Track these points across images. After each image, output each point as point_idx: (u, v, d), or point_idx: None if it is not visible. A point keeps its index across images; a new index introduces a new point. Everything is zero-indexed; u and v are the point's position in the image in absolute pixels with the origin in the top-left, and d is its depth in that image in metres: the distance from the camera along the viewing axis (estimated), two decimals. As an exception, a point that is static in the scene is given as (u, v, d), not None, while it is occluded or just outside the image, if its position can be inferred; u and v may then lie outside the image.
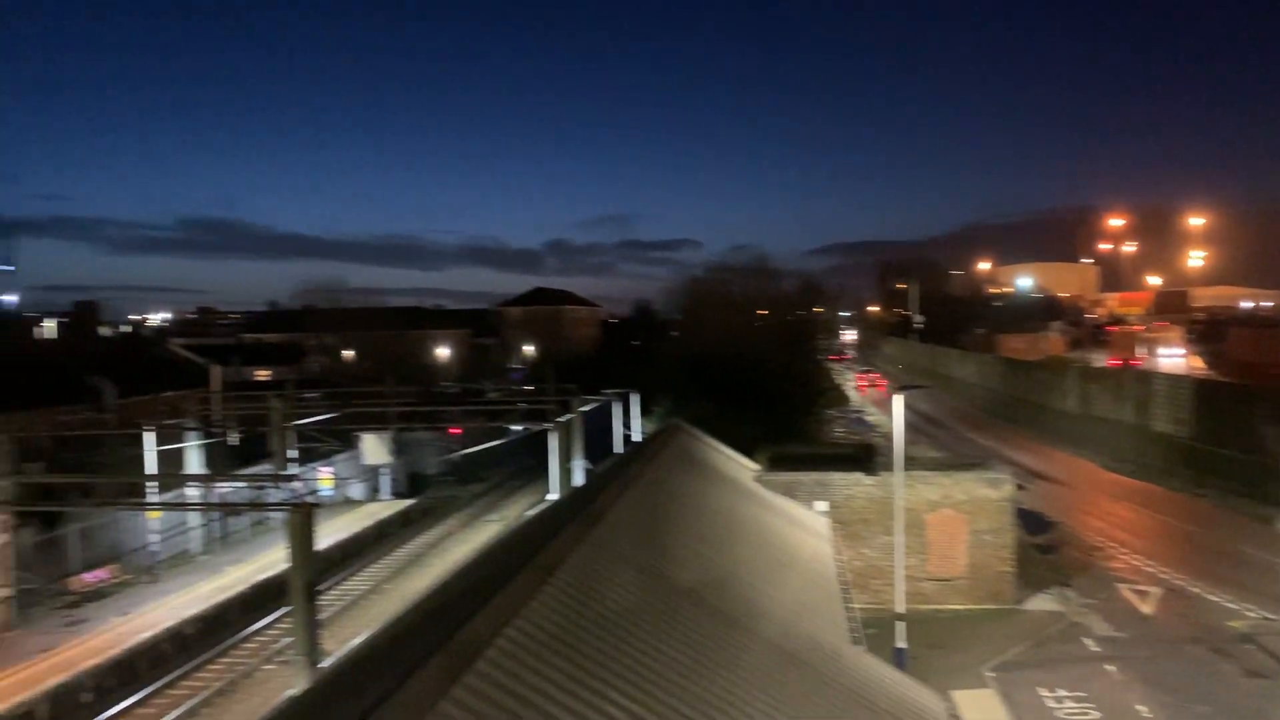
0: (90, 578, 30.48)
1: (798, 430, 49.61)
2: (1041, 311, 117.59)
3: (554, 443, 35.54)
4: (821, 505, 29.69)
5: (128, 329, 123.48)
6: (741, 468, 30.09)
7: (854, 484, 30.45)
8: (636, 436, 44.60)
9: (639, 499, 18.50)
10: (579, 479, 34.81)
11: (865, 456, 33.29)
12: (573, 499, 20.58)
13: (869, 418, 77.79)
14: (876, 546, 29.56)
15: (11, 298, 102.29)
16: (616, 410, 45.64)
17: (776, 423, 45.94)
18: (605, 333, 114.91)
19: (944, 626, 27.89)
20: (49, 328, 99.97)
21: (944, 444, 62.04)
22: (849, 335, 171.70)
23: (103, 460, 34.10)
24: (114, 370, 42.84)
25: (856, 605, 21.21)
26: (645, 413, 49.77)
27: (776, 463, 31.30)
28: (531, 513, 37.99)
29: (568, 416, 36.49)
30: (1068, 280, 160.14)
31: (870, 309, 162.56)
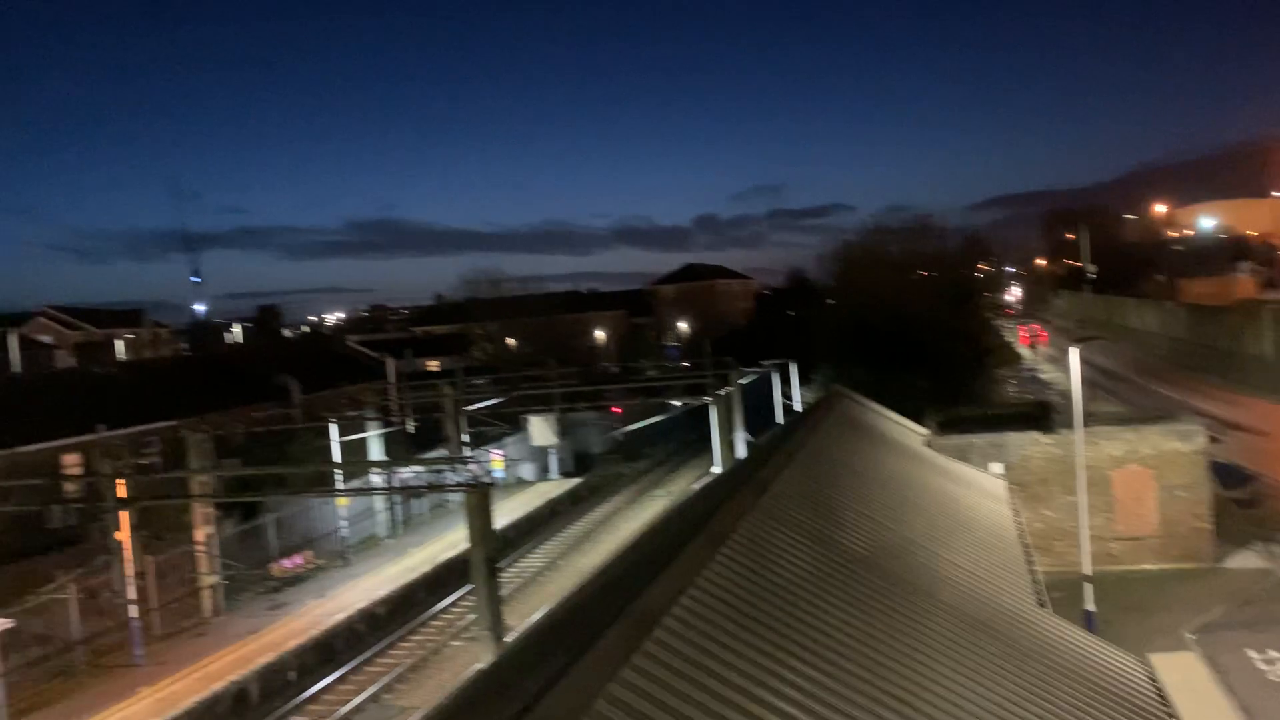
0: (288, 563, 32.46)
1: (967, 392, 47.93)
2: (1228, 252, 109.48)
3: (715, 416, 35.58)
4: (997, 467, 28.63)
5: (307, 329, 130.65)
6: (909, 432, 29.33)
7: (1031, 444, 29.24)
8: (797, 406, 44.14)
9: (805, 467, 18.29)
10: (742, 451, 34.74)
11: (1041, 415, 31.92)
12: (738, 470, 20.55)
13: (1043, 375, 74.51)
14: (1058, 507, 28.33)
15: (201, 307, 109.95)
16: (775, 381, 45.27)
17: (944, 385, 44.53)
18: (759, 304, 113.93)
19: (1136, 587, 26.50)
20: (238, 333, 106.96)
21: (1126, 398, 58.76)
22: (1015, 291, 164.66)
23: (293, 452, 36.23)
24: (298, 368, 45.43)
25: (1039, 569, 20.38)
26: (804, 382, 49.20)
27: (947, 426, 30.37)
28: (697, 486, 38.18)
29: (727, 390, 36.44)
30: (1257, 217, 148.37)
31: (1038, 262, 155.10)
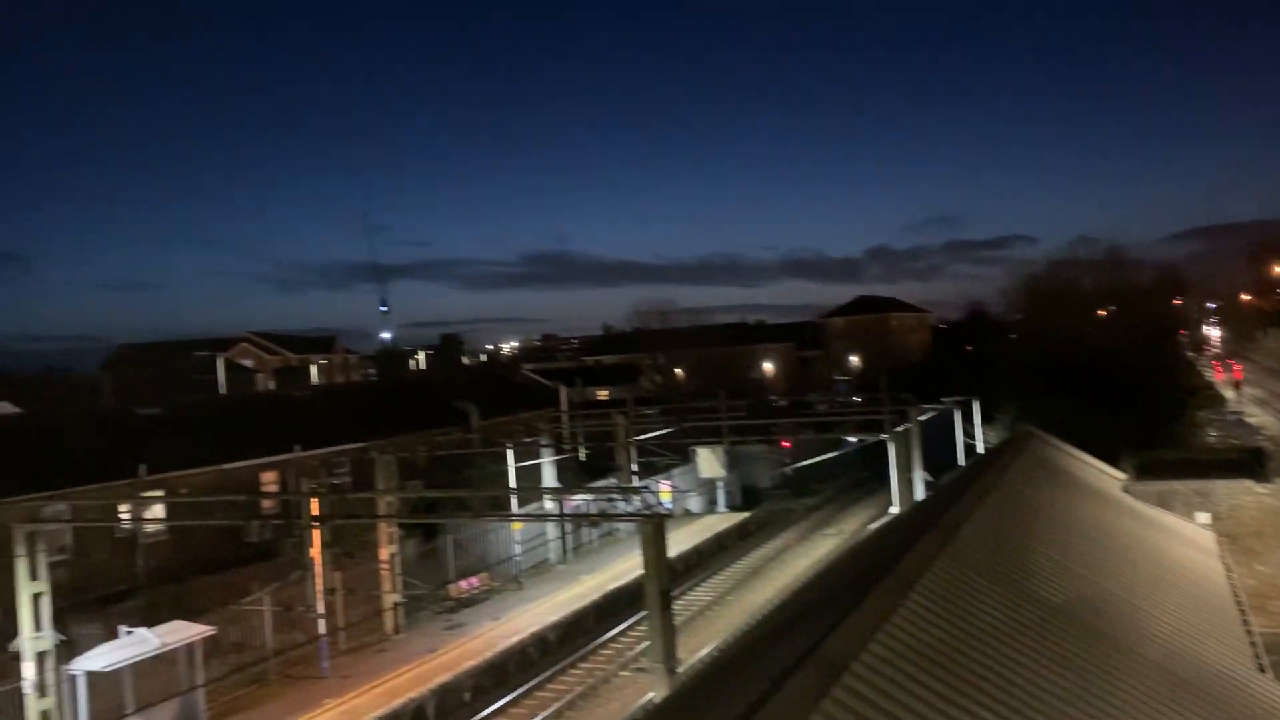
0: (465, 585, 33.33)
1: (1165, 434, 44.82)
2: None
3: (893, 454, 34.47)
4: (1204, 517, 26.53)
5: (485, 357, 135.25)
6: (1105, 476, 27.58)
7: (1243, 492, 26.96)
8: (980, 446, 42.31)
9: (995, 511, 17.37)
10: (920, 492, 33.49)
11: (1253, 461, 29.41)
12: (922, 511, 19.73)
13: (1250, 419, 68.93)
14: (1274, 563, 25.95)
15: (388, 334, 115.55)
16: (955, 419, 43.58)
17: (1140, 427, 41.77)
18: (935, 338, 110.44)
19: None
20: (421, 360, 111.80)
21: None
22: (1216, 328, 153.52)
23: (471, 477, 37.31)
24: (476, 395, 46.88)
25: (1254, 628, 18.63)
26: (987, 420, 47.14)
27: (1145, 470, 28.39)
28: (874, 526, 37.02)
29: (905, 427, 35.26)
30: None
31: (1242, 297, 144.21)
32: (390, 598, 30.03)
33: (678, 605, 32.25)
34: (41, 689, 20.76)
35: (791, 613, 13.51)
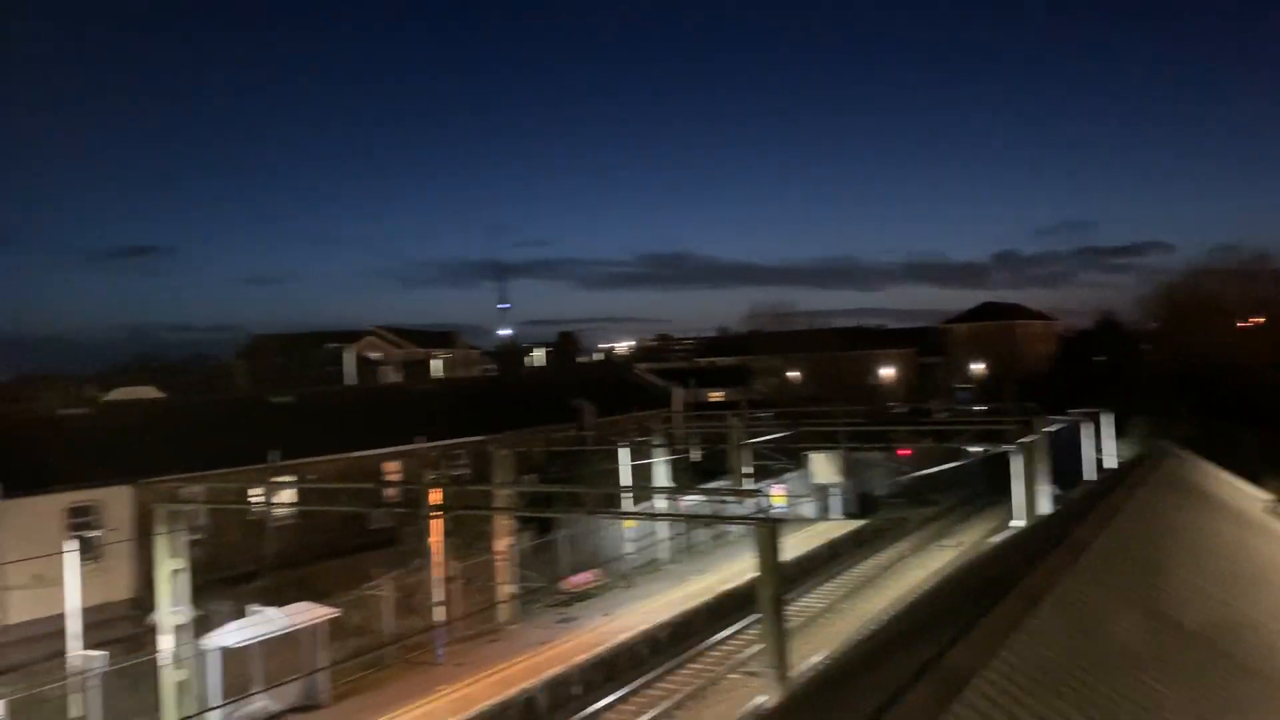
0: (577, 580, 33.71)
1: (1314, 455, 42.13)
2: None
3: (1017, 466, 33.37)
4: (1358, 544, 24.83)
5: (599, 356, 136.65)
6: (1248, 496, 26.12)
7: (1403, 520, 25.12)
8: (1111, 461, 40.61)
9: (1127, 528, 16.63)
10: (1046, 506, 32.33)
11: None
12: (1046, 526, 19.04)
13: None
14: None
15: (506, 331, 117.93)
16: (1083, 431, 41.93)
17: (1286, 446, 39.38)
18: (1063, 348, 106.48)
19: None
20: (538, 356, 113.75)
21: None
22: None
23: (585, 473, 37.74)
24: (592, 393, 47.40)
25: None
26: (1117, 434, 45.21)
27: (1292, 492, 26.77)
28: (995, 539, 35.92)
29: (1031, 438, 34.08)
30: None
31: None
32: (505, 589, 30.59)
33: (790, 610, 31.97)
34: (178, 661, 21.85)
35: (909, 624, 13.21)
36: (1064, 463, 38.44)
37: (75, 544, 23.62)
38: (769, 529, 17.14)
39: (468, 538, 30.16)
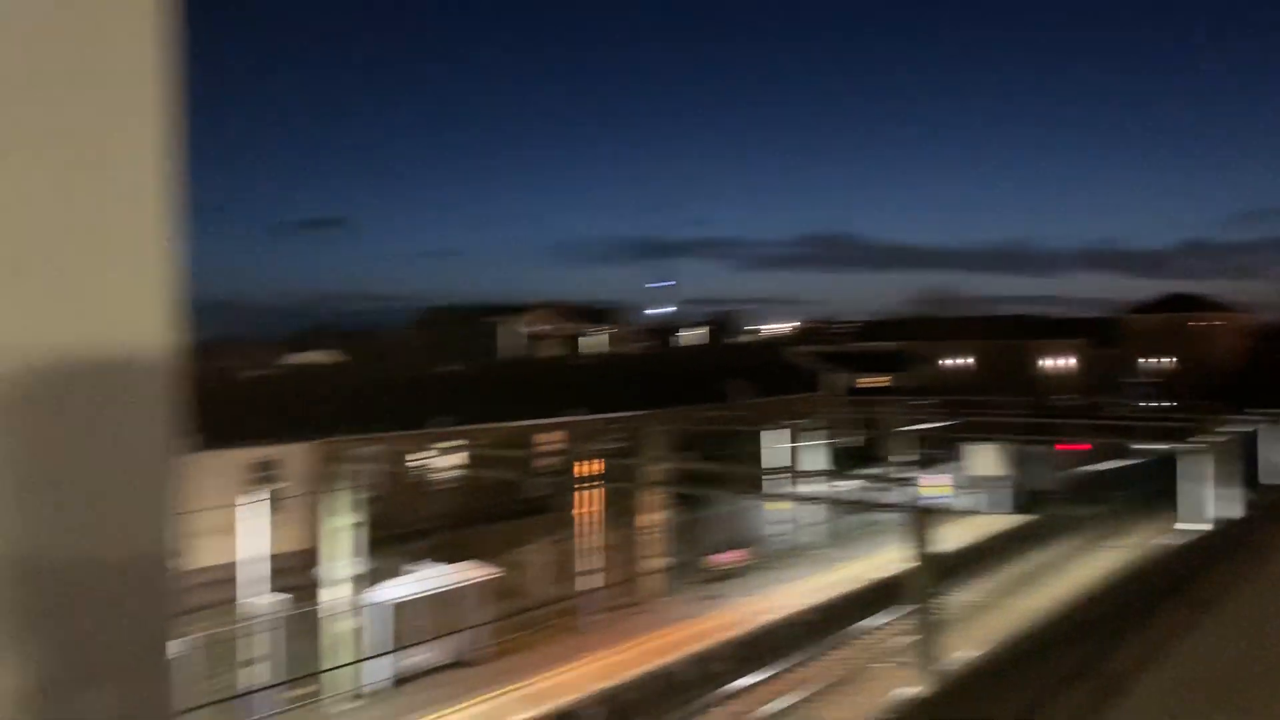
0: (724, 558, 33.87)
1: None
2: None
3: (1196, 468, 31.47)
4: None
5: (755, 337, 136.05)
6: None
7: None
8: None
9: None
10: (1229, 509, 30.37)
11: None
12: (1225, 531, 17.92)
13: None
14: None
15: (664, 310, 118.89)
16: (1270, 434, 39.12)
17: None
18: (1258, 343, 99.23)
19: None
20: (688, 336, 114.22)
21: None
22: None
23: (737, 453, 37.77)
24: (746, 374, 47.32)
25: None
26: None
27: None
28: (1167, 542, 34.07)
29: (1214, 439, 32.05)
30: None
31: None
32: (653, 562, 31.05)
33: (944, 603, 31.21)
34: (348, 610, 23.21)
35: (1069, 624, 12.75)
36: (1251, 465, 36.02)
37: (259, 495, 25.34)
38: (924, 519, 16.81)
39: (619, 510, 30.73)
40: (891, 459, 38.84)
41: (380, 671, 23.28)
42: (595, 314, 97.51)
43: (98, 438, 1.01)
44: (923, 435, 40.83)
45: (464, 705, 22.28)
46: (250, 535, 24.45)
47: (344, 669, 22.85)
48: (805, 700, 23.71)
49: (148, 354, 1.04)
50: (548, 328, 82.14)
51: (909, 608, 17.76)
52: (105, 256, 1.03)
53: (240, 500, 25.04)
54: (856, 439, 43.28)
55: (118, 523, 1.02)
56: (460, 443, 31.72)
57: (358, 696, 23.01)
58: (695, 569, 32.89)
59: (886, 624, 28.64)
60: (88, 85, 1.02)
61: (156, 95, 1.07)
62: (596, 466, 25.89)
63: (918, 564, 16.78)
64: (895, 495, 24.45)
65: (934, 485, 43.49)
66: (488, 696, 22.70)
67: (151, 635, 1.04)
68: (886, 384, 69.84)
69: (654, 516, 31.16)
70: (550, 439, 36.61)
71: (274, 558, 25.40)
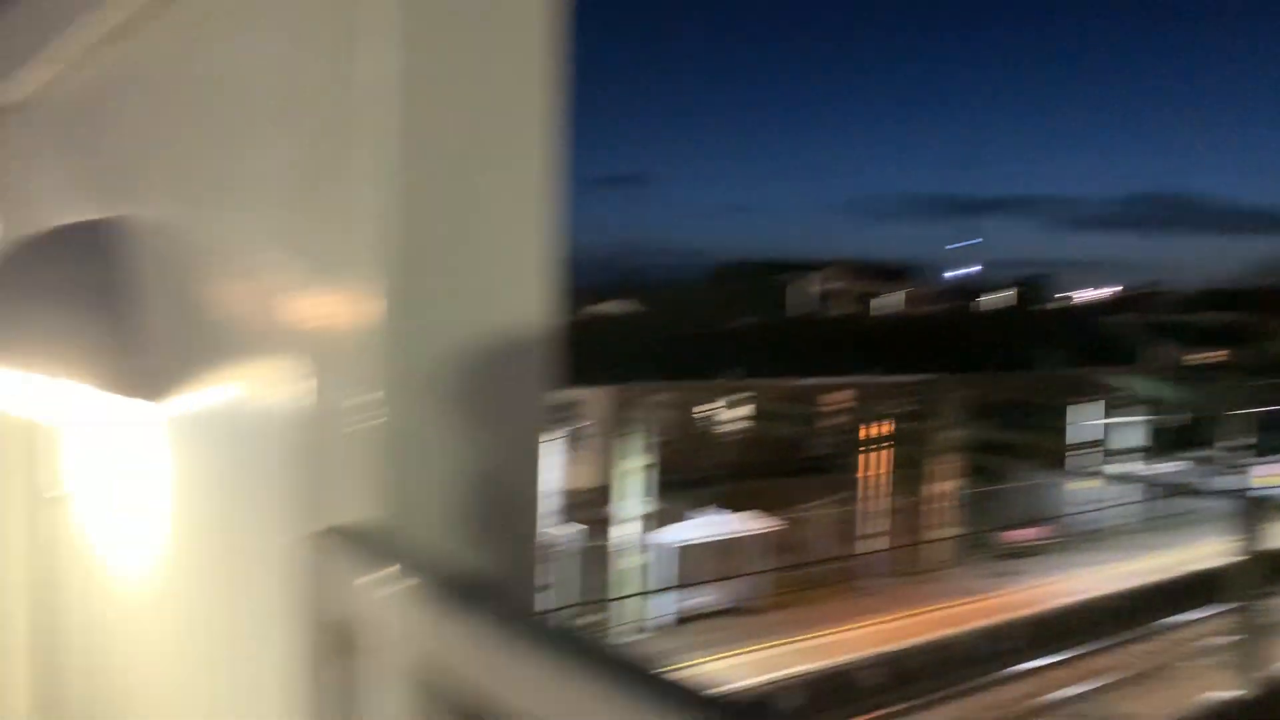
0: (1020, 535, 32.28)
1: None
2: None
3: None
4: None
5: (1067, 303, 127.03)
6: None
7: None
8: None
9: None
10: None
11: None
12: None
13: None
14: None
15: (967, 270, 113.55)
16: None
17: None
18: None
19: None
20: (991, 299, 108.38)
21: None
22: None
23: (1040, 426, 35.71)
24: (1054, 341, 44.48)
25: None
26: None
27: None
28: None
29: None
30: None
31: None
32: (942, 532, 30.19)
33: (1273, 605, 28.16)
34: (637, 548, 24.45)
35: None
36: None
37: (561, 433, 27.05)
38: (1257, 510, 15.25)
39: (906, 475, 30.07)
40: (1222, 443, 35.22)
41: (665, 608, 24.38)
42: (890, 273, 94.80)
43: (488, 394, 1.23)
44: (1262, 419, 36.67)
45: (744, 649, 22.88)
46: (553, 470, 26.21)
47: (632, 600, 24.12)
48: (1100, 690, 22.35)
49: (531, 329, 1.24)
50: (840, 285, 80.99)
51: (1229, 605, 16.20)
52: (501, 247, 1.22)
53: (545, 438, 26.80)
54: (1181, 418, 39.55)
55: (498, 461, 1.25)
56: (748, 395, 32.20)
57: (642, 630, 24.24)
58: (987, 543, 31.63)
59: (1200, 620, 26.28)
60: (484, 82, 1.16)
61: (544, 89, 1.18)
62: (885, 428, 25.43)
63: (1245, 558, 15.26)
64: (1222, 482, 22.29)
65: (1272, 475, 39.04)
66: (767, 644, 23.17)
67: (524, 555, 1.26)
68: (1221, 360, 63.02)
69: (945, 485, 30.21)
70: (838, 398, 36.29)
71: (571, 492, 27.12)
